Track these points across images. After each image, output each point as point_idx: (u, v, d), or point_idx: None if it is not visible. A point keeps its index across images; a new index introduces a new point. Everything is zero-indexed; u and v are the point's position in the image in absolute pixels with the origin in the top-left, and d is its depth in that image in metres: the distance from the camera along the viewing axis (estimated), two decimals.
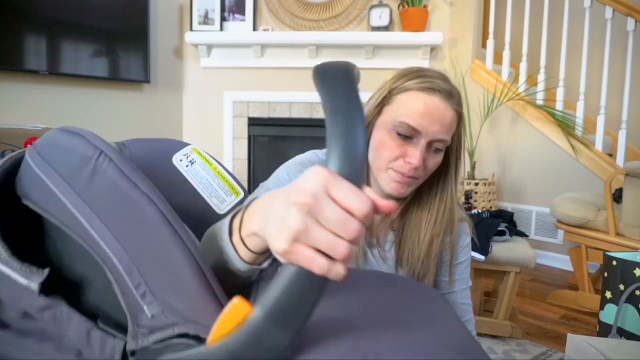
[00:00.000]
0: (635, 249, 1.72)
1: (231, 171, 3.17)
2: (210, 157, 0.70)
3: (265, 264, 0.46)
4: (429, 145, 0.70)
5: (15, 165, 0.47)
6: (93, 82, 2.95)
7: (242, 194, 0.67)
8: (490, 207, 2.62)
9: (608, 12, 2.54)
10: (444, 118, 0.69)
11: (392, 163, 0.70)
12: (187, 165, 0.66)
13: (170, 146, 0.68)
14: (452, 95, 0.70)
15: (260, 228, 0.40)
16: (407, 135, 0.69)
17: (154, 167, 0.63)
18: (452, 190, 0.77)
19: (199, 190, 0.66)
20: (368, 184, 0.77)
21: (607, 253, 1.41)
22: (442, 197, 0.77)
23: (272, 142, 3.43)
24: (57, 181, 0.42)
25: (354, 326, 0.39)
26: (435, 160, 0.72)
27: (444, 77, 0.72)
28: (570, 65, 2.92)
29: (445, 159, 0.75)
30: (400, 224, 0.80)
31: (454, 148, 0.76)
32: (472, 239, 1.63)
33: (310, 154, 0.83)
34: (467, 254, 0.84)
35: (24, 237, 0.48)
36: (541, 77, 2.80)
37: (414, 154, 0.68)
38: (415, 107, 0.68)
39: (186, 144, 0.70)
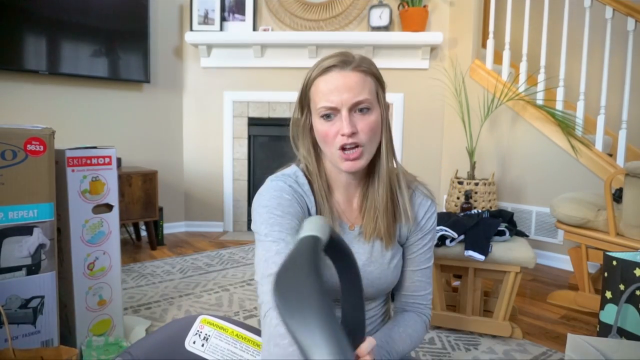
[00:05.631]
0: (635, 249, 1.72)
1: (231, 171, 3.20)
2: (223, 321, 0.64)
3: None
4: (353, 111, 0.76)
5: None
6: (93, 82, 2.95)
7: None
8: (490, 207, 2.62)
9: (608, 12, 2.54)
10: (348, 83, 0.75)
11: (334, 143, 0.76)
12: (202, 345, 0.62)
13: (177, 331, 0.63)
14: (347, 62, 0.76)
15: None
16: (331, 114, 0.76)
17: None
18: (385, 148, 0.81)
19: None
20: (332, 174, 0.84)
21: (607, 253, 1.41)
22: (379, 159, 0.82)
23: (272, 142, 3.43)
24: None
25: None
26: (368, 120, 0.76)
27: (339, 53, 0.78)
28: (570, 65, 2.92)
29: None
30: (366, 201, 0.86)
31: (377, 107, 0.80)
32: (471, 239, 1.64)
33: (280, 183, 0.81)
34: (432, 235, 0.89)
35: None
36: (541, 77, 2.80)
37: (342, 125, 0.75)
38: (322, 91, 0.76)
39: (192, 319, 0.64)
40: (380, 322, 0.93)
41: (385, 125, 0.81)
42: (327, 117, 0.76)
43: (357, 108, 0.76)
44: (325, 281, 0.80)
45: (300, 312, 0.30)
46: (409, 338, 0.83)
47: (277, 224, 0.73)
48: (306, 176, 0.85)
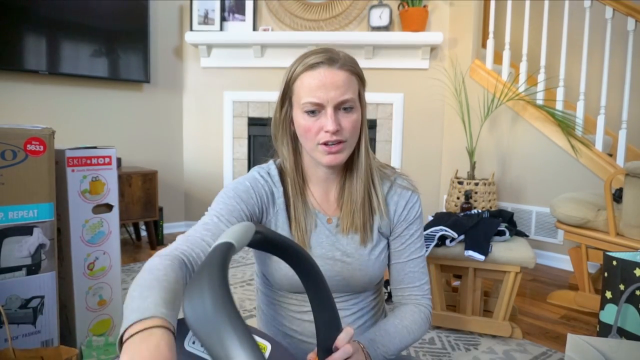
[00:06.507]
0: (635, 249, 1.72)
1: (231, 171, 3.21)
2: None
3: None
4: (337, 109, 0.77)
5: None
6: (93, 82, 2.95)
7: (269, 347, 0.65)
8: (490, 207, 2.62)
9: (608, 12, 2.54)
10: (336, 82, 0.76)
11: (317, 138, 0.78)
12: (201, 345, 0.62)
13: (177, 331, 0.61)
14: (334, 60, 0.77)
15: None
16: (315, 110, 0.77)
17: None
18: (364, 144, 0.84)
19: None
20: (309, 168, 0.86)
21: (607, 253, 1.41)
22: (357, 154, 0.84)
23: (272, 142, 3.43)
24: None
25: None
26: (351, 118, 0.78)
27: (324, 50, 0.79)
28: (570, 65, 2.92)
29: None
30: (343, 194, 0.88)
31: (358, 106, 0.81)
32: (471, 239, 1.64)
33: (253, 173, 0.88)
34: (418, 225, 0.90)
35: None
36: (541, 77, 2.80)
37: (327, 122, 0.76)
38: (308, 86, 0.76)
39: None
40: (372, 316, 0.92)
41: (364, 123, 0.83)
42: (311, 112, 0.77)
43: (342, 107, 0.77)
44: (292, 276, 0.79)
45: (208, 325, 0.32)
46: (406, 329, 0.83)
47: (222, 203, 0.78)
48: (279, 169, 0.88)
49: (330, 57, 0.77)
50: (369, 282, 0.88)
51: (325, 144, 0.77)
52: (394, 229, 0.89)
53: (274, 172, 0.88)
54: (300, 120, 0.79)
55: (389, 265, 0.91)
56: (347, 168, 0.86)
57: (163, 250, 0.65)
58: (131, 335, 0.45)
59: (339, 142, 0.78)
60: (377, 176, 0.87)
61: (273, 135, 0.89)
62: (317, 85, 0.76)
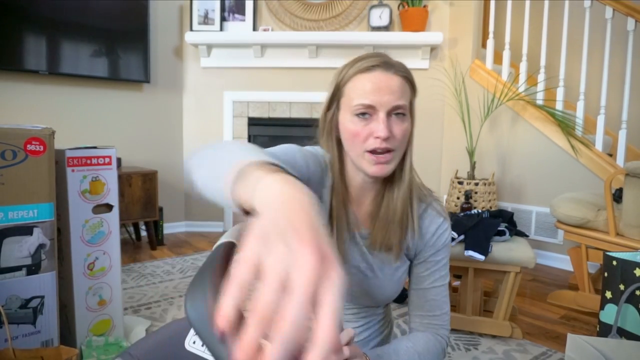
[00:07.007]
0: (635, 249, 1.72)
1: None
2: None
3: None
4: (390, 115, 0.74)
5: None
6: (93, 82, 2.95)
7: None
8: (490, 207, 2.62)
9: (608, 12, 2.54)
10: (391, 86, 0.73)
11: (365, 145, 0.74)
12: (202, 345, 0.60)
13: (177, 331, 0.63)
14: (390, 64, 0.74)
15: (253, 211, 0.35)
16: (367, 114, 0.73)
17: None
18: (408, 157, 0.80)
19: None
20: (348, 174, 0.81)
21: (607, 253, 1.41)
22: (401, 169, 0.80)
23: (272, 142, 3.43)
24: None
25: None
26: (402, 126, 0.75)
27: (379, 54, 0.76)
28: (570, 65, 2.92)
29: None
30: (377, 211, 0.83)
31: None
32: (472, 239, 1.64)
33: (313, 149, 0.84)
34: (445, 253, 0.87)
35: None
36: (541, 77, 2.80)
37: (379, 127, 0.72)
38: (362, 88, 0.73)
39: None
40: (379, 328, 0.91)
41: (412, 135, 0.80)
42: (361, 115, 0.74)
43: (394, 113, 0.74)
44: None
45: (210, 324, 0.33)
46: (417, 355, 0.80)
47: (282, 149, 0.76)
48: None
49: (386, 61, 0.74)
50: (384, 300, 0.87)
51: (373, 151, 0.73)
52: (419, 253, 0.86)
53: (327, 160, 0.83)
54: (349, 124, 0.75)
55: (409, 289, 0.89)
56: (387, 181, 0.81)
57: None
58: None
59: (388, 150, 0.73)
60: (416, 195, 0.83)
61: (319, 140, 0.84)
62: (371, 88, 0.72)
